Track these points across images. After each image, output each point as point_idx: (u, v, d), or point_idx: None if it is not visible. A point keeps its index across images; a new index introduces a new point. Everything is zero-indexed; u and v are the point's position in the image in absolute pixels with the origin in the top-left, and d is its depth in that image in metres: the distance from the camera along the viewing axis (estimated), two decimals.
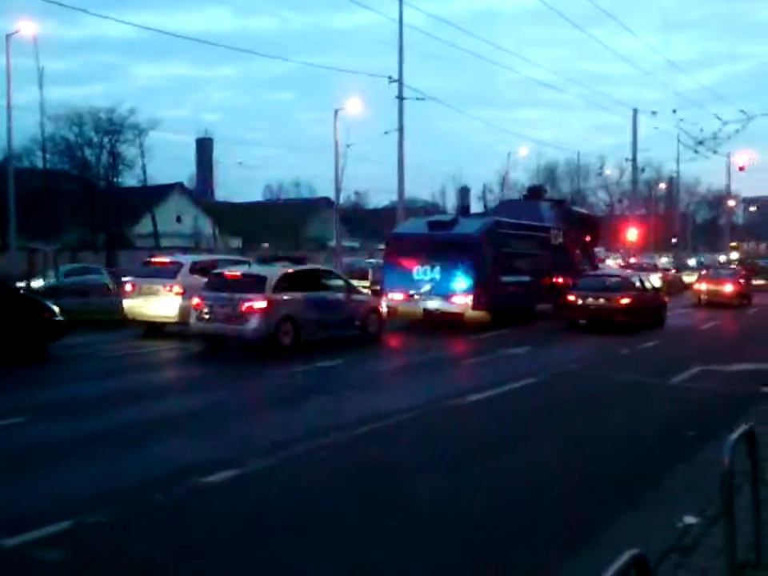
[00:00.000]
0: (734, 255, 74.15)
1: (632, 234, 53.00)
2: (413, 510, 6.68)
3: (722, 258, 69.50)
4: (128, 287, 19.37)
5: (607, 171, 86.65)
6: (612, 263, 49.75)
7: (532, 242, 24.38)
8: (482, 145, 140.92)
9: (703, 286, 33.68)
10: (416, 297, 21.53)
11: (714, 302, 32.09)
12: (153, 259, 22.06)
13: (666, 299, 26.15)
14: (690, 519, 6.06)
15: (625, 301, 21.98)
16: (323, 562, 5.62)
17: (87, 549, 5.81)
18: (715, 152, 42.99)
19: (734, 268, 41.28)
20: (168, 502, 6.82)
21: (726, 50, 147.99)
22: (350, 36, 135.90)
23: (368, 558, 5.72)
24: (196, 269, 18.96)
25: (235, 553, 5.75)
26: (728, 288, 32.87)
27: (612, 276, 25.49)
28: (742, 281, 34.01)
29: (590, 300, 22.31)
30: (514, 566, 5.63)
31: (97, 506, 6.54)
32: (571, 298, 22.70)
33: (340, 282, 18.64)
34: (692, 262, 63.73)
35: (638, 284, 23.55)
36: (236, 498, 7.03)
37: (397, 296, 21.68)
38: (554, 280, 25.18)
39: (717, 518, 5.58)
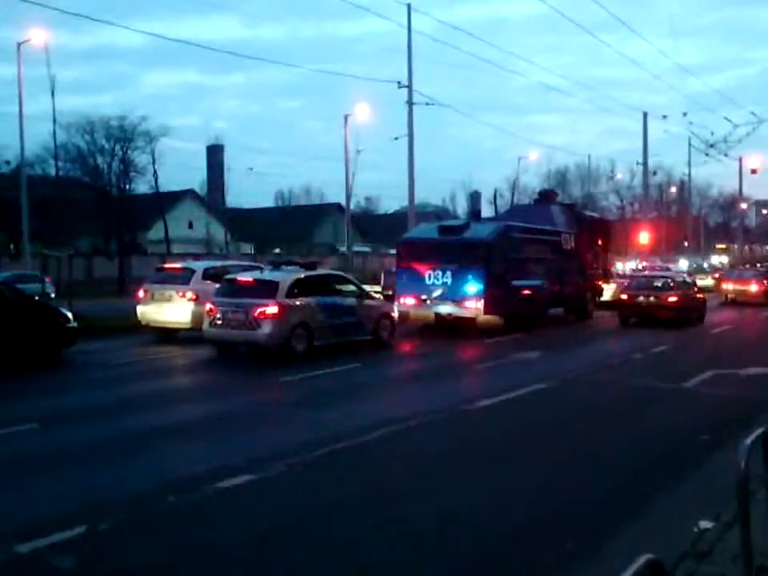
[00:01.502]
0: (717, 258, 72.59)
1: (643, 237, 52.83)
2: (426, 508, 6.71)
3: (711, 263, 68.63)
4: (141, 293, 19.45)
5: (618, 175, 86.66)
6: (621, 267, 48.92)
7: (543, 246, 24.32)
8: (493, 150, 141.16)
9: (730, 286, 36.49)
10: (428, 301, 21.51)
11: (740, 301, 34.62)
12: (165, 265, 22.12)
13: (705, 297, 27.80)
14: (705, 524, 6.03)
15: (672, 299, 24.39)
16: (339, 564, 5.64)
17: (100, 554, 5.82)
18: (726, 155, 43.04)
19: (758, 269, 42.55)
20: (182, 506, 6.83)
21: (734, 56, 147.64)
22: (358, 43, 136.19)
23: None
24: (209, 275, 19.00)
25: (248, 557, 5.76)
26: (753, 288, 35.53)
27: (661, 276, 27.81)
28: (765, 281, 36.21)
29: (641, 299, 24.60)
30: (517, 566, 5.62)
31: (110, 511, 6.57)
32: (624, 296, 25.08)
33: (352, 287, 18.61)
34: (705, 264, 63.39)
35: (682, 283, 25.98)
36: (250, 502, 7.03)
37: (409, 301, 21.69)
38: (566, 284, 25.14)
39: (732, 522, 5.55)
